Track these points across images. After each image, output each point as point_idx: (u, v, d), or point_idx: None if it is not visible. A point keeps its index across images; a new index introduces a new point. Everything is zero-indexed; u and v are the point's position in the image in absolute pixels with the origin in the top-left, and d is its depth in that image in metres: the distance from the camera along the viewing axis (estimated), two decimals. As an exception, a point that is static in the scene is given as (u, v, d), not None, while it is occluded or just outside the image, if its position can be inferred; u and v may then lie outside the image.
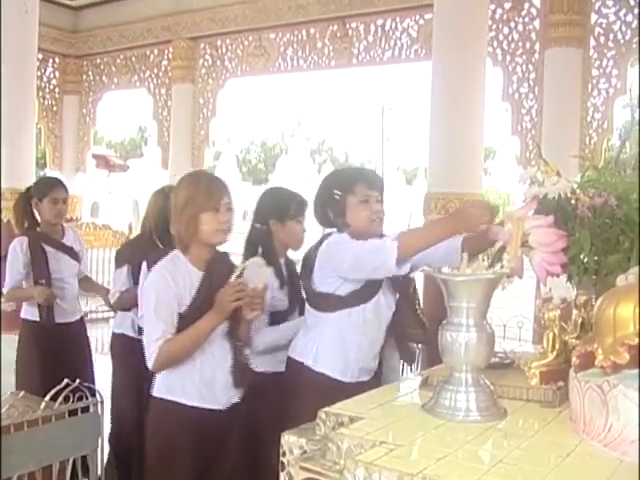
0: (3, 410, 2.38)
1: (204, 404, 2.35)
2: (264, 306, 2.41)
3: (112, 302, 3.52)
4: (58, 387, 2.56)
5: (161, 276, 2.32)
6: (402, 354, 2.91)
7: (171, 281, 2.30)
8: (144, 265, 3.05)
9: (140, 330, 3.22)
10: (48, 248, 3.77)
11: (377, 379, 2.58)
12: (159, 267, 2.35)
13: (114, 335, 3.58)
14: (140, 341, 3.33)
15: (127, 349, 3.45)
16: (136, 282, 3.34)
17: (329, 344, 2.48)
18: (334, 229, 2.57)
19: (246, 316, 2.35)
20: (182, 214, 2.35)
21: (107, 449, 3.32)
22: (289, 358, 2.61)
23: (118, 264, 3.51)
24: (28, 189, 3.88)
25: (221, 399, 2.39)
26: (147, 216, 3.50)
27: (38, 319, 3.72)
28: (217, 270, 2.35)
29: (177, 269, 2.34)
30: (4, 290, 3.83)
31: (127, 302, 3.38)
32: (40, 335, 3.73)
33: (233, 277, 2.29)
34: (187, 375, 2.34)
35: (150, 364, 2.30)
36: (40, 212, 3.78)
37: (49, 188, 3.78)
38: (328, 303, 2.48)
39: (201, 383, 2.35)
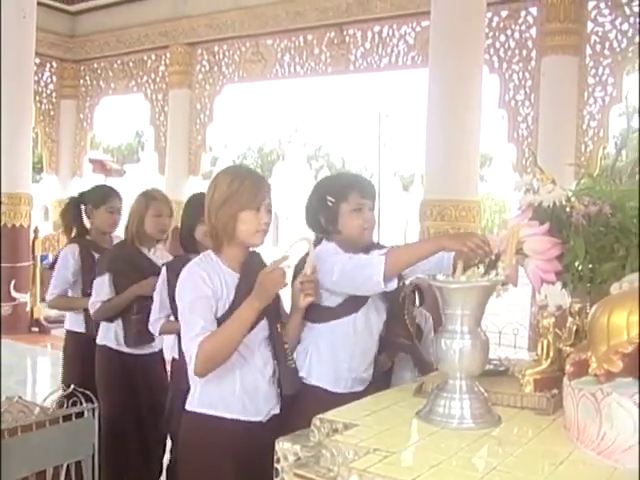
0: (-3, 415, 2.37)
1: (246, 416, 2.20)
2: (317, 291, 2.28)
3: (92, 312, 3.36)
4: (51, 392, 2.55)
5: (195, 273, 2.17)
6: (417, 364, 2.88)
7: (207, 278, 2.14)
8: (163, 271, 2.97)
9: (125, 340, 3.19)
10: (98, 257, 3.65)
11: (375, 390, 2.46)
12: (191, 265, 2.20)
13: (97, 347, 3.43)
14: (123, 353, 3.31)
15: (110, 361, 3.37)
16: (119, 291, 3.29)
17: (321, 355, 2.45)
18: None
19: (299, 303, 2.24)
20: (220, 211, 2.17)
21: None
22: None
23: (98, 272, 3.37)
24: (80, 195, 3.80)
25: (263, 410, 2.25)
26: (129, 221, 3.40)
27: (84, 331, 3.62)
28: (254, 272, 2.15)
29: (212, 268, 2.19)
30: (48, 297, 3.75)
31: (109, 312, 3.29)
32: (85, 347, 3.58)
33: (279, 258, 2.13)
34: (228, 386, 2.19)
35: (192, 369, 2.09)
36: (93, 220, 3.71)
37: (106, 197, 3.70)
38: (318, 314, 2.44)
39: (243, 393, 2.20)
